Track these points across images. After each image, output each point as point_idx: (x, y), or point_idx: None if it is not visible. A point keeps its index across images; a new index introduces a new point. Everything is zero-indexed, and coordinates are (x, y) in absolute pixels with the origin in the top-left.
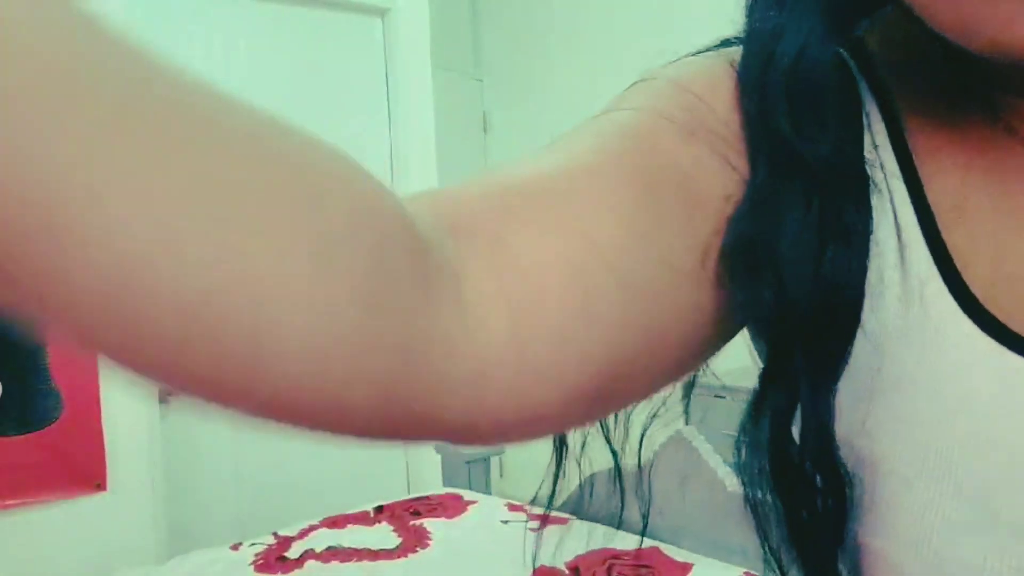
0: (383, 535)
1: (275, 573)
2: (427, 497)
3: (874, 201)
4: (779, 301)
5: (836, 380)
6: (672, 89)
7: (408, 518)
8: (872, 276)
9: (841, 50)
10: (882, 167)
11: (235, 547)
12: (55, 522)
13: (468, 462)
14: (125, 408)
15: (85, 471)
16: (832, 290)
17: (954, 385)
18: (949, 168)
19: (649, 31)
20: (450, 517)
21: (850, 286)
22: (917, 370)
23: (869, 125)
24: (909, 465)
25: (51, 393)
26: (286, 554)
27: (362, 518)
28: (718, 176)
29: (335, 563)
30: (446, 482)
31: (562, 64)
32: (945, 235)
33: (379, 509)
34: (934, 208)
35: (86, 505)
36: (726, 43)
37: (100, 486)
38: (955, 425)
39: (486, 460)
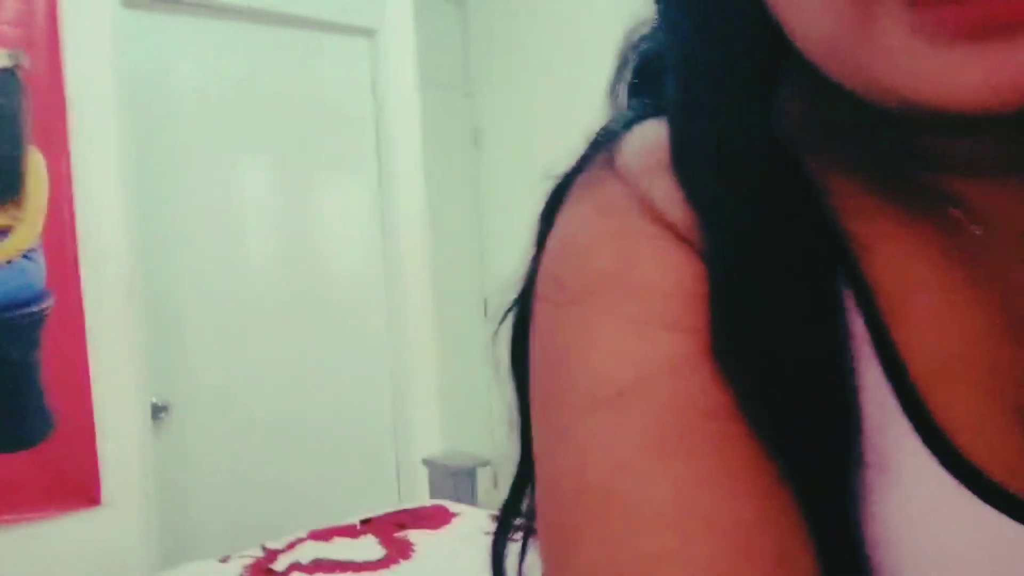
0: (368, 547)
1: None
2: (413, 509)
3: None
4: (755, 405)
5: (843, 485)
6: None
7: (393, 530)
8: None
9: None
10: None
11: (224, 560)
12: (49, 537)
13: (454, 474)
14: (118, 424)
15: (79, 486)
16: (804, 381)
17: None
18: (893, 259)
19: None
20: (434, 528)
21: (822, 373)
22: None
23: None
24: None
25: (44, 410)
26: (272, 567)
27: (348, 531)
28: None
29: (320, 574)
30: (433, 494)
31: (553, 78)
32: (893, 332)
33: (365, 522)
34: (882, 307)
35: (80, 520)
36: (596, 144)
37: (94, 501)
38: None
39: (472, 472)
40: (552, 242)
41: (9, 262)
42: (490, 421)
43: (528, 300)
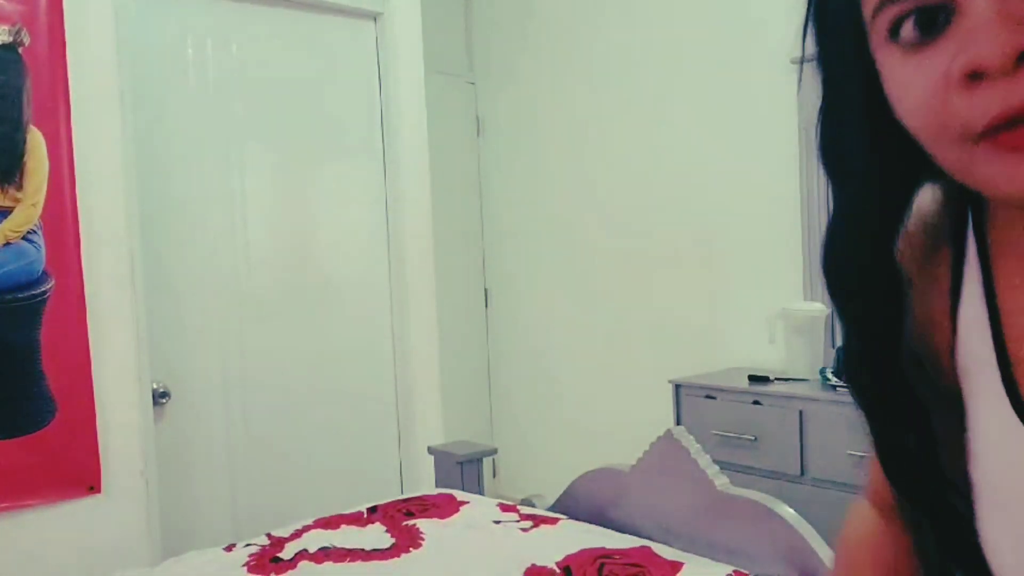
0: (376, 535)
1: (268, 574)
2: (420, 498)
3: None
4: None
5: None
6: None
7: (401, 518)
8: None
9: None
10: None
11: (228, 548)
12: (49, 525)
13: (460, 463)
14: (119, 411)
15: (79, 474)
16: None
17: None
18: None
19: (641, 34)
20: (443, 517)
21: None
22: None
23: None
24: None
25: (44, 396)
26: (279, 555)
27: (356, 519)
28: None
29: (328, 563)
30: (439, 483)
31: (555, 67)
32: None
33: (372, 510)
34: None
35: (80, 508)
36: None
37: (94, 489)
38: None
39: (478, 461)
40: None
41: (8, 243)
42: (489, 410)
43: None
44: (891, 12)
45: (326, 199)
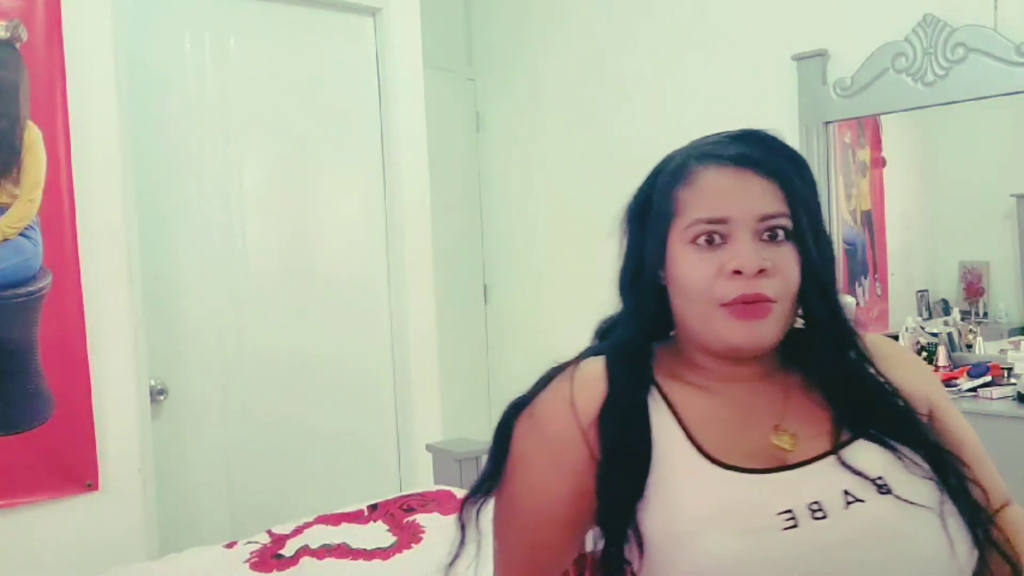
0: (378, 533)
1: (271, 571)
2: (421, 494)
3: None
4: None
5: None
6: None
7: (401, 515)
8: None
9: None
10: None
11: (229, 545)
12: (46, 522)
13: (459, 460)
14: (117, 408)
15: (76, 471)
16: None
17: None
18: (688, 399)
19: (641, 29)
20: (444, 513)
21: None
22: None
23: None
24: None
25: (42, 393)
26: (281, 552)
27: (356, 516)
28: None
29: (330, 559)
30: (437, 481)
31: (554, 63)
32: (693, 431)
33: (373, 507)
34: (686, 423)
35: (77, 505)
36: None
37: (91, 486)
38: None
39: (476, 458)
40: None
41: (5, 240)
42: (488, 407)
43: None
44: (696, 229)
45: (324, 195)
